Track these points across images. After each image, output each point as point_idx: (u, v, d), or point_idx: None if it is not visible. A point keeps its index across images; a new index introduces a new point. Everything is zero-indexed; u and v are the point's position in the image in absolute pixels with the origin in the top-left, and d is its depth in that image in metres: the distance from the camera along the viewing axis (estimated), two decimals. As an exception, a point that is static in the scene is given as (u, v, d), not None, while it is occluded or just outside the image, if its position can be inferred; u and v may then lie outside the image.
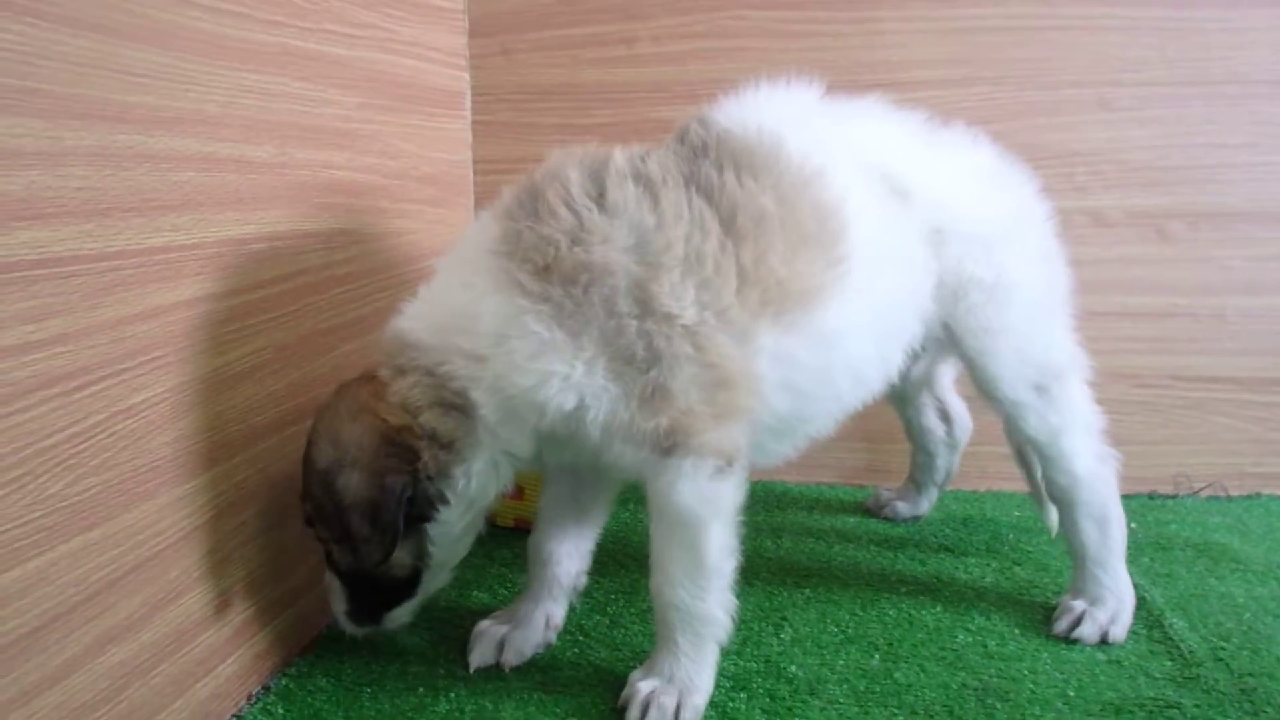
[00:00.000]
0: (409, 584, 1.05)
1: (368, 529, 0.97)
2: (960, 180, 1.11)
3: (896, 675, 1.09)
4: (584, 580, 1.19)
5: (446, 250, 1.05)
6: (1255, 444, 1.55)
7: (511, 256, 0.94)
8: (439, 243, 1.53)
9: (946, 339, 1.14)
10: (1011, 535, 1.46)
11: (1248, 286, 1.50)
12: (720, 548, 0.98)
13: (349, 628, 1.08)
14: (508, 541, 1.45)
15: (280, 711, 1.04)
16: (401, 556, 1.01)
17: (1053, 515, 1.29)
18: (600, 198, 0.96)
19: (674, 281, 0.93)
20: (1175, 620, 1.19)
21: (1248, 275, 1.50)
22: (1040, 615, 1.21)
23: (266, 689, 1.08)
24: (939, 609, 1.24)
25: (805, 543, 1.45)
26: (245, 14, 1.03)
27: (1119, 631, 1.14)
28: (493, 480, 1.02)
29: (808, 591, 1.30)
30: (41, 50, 0.77)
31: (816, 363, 1.00)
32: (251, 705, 1.05)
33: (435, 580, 1.08)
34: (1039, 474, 1.29)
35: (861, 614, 1.23)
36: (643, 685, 1.00)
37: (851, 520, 1.54)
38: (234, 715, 1.03)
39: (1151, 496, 1.57)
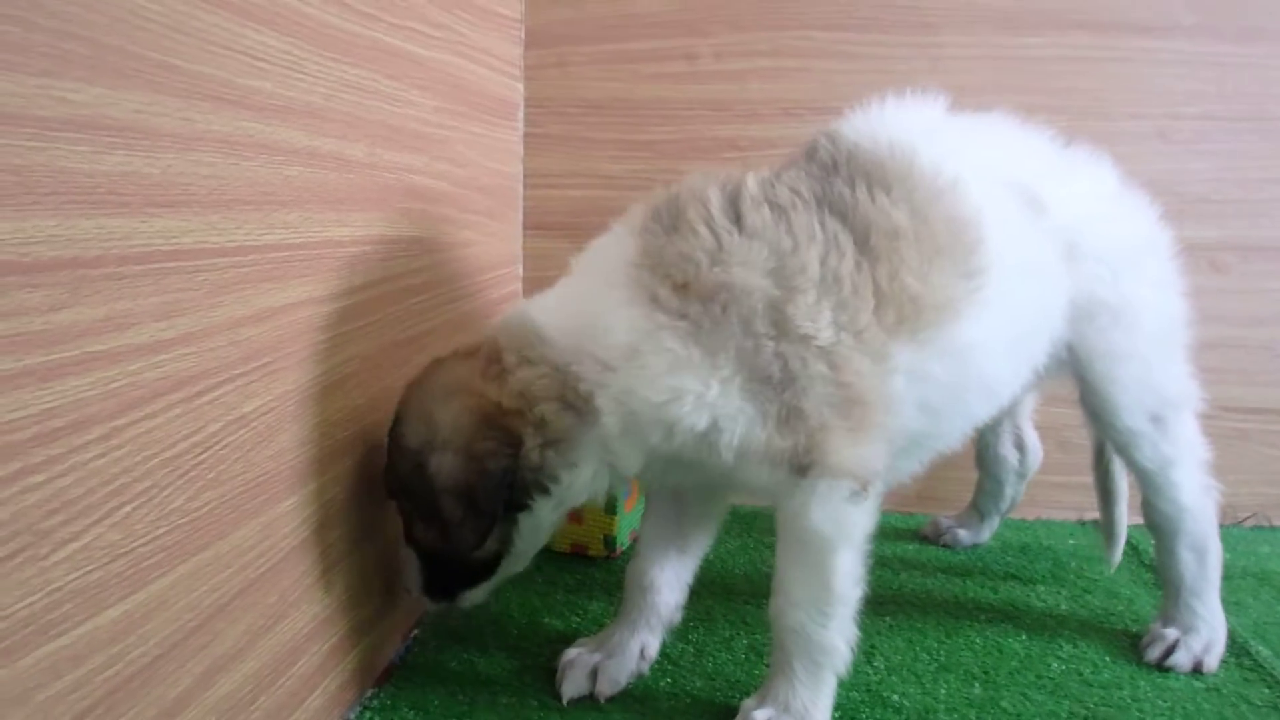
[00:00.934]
0: (487, 567, 1.02)
1: (462, 513, 0.94)
2: (1092, 198, 1.11)
3: (1003, 704, 1.07)
4: (680, 614, 1.15)
5: (578, 259, 1.01)
6: (1299, 474, 1.58)
7: (652, 271, 0.92)
8: (496, 257, 1.48)
9: (1070, 361, 1.13)
10: (1073, 563, 1.45)
11: (1296, 319, 1.54)
12: (848, 574, 0.96)
13: (425, 603, 1.05)
14: (568, 567, 1.39)
15: (369, 747, 0.96)
16: (489, 542, 0.97)
17: (1117, 552, 1.31)
18: (738, 220, 0.94)
19: (809, 303, 0.91)
20: (1260, 648, 1.20)
21: (1296, 307, 1.54)
22: (1125, 642, 1.21)
23: (349, 723, 1.00)
24: (1024, 636, 1.23)
25: (872, 571, 1.41)
26: (346, 3, 0.98)
27: (1213, 661, 1.14)
28: (589, 487, 0.99)
29: (889, 620, 1.27)
30: (179, 24, 0.71)
31: (951, 379, 0.98)
32: (337, 741, 0.97)
33: (514, 566, 1.04)
34: (1117, 507, 1.31)
35: (949, 641, 1.21)
36: (758, 715, 0.96)
37: (911, 547, 1.52)
38: (321, 752, 0.95)
39: (1199, 524, 1.59)
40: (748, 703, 0.99)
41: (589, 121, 1.59)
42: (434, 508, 0.94)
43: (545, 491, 0.96)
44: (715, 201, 0.95)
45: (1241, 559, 1.47)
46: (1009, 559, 1.47)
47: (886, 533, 1.57)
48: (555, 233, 1.60)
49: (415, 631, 1.21)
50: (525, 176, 1.61)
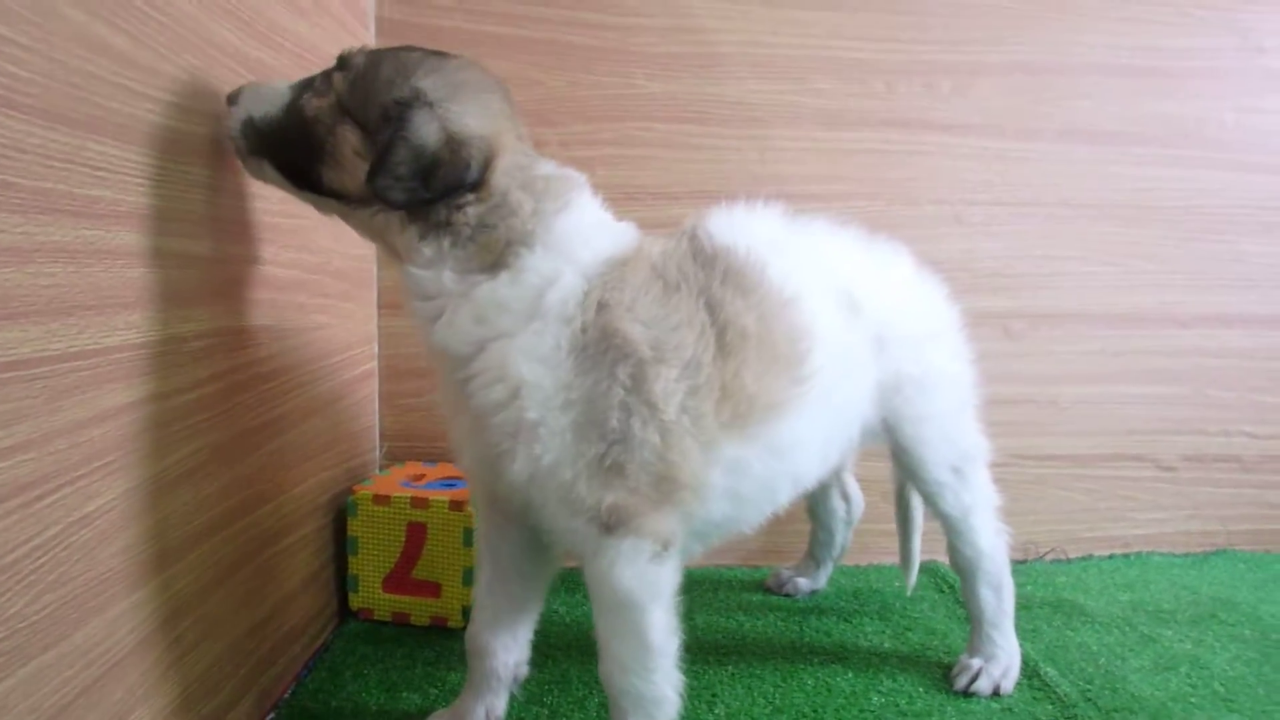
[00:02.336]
0: (314, 183, 1.01)
1: (408, 170, 0.93)
2: (896, 290, 1.25)
3: (827, 742, 1.17)
4: (525, 670, 1.19)
5: None
6: (1087, 512, 1.79)
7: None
8: (350, 337, 1.51)
9: (882, 430, 1.26)
10: (898, 604, 1.59)
11: (1078, 377, 1.77)
12: (663, 628, 1.01)
13: (235, 126, 1.02)
14: (428, 641, 1.42)
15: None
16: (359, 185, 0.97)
17: (912, 576, 1.49)
18: (648, 285, 1.02)
19: (671, 378, 0.98)
20: (1048, 669, 1.35)
21: (1078, 367, 1.77)
22: (938, 673, 1.34)
23: (197, 814, 1.00)
24: (851, 675, 1.34)
25: (718, 621, 1.52)
26: (189, 108, 1.01)
27: (1009, 684, 1.29)
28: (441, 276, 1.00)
29: (730, 667, 1.36)
30: (16, 143, 0.75)
31: (765, 473, 1.08)
32: (185, 834, 0.97)
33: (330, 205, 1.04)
34: (913, 540, 1.49)
35: (784, 685, 1.31)
36: (604, 772, 1.02)
37: (756, 598, 1.62)
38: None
39: (1007, 562, 1.77)
40: None
41: (443, 201, 1.65)
42: (386, 141, 0.94)
43: (446, 227, 0.98)
44: (648, 260, 1.04)
45: (1041, 590, 1.65)
46: (842, 603, 1.60)
47: (734, 585, 1.68)
48: (410, 311, 1.65)
49: (271, 716, 1.21)
50: (379, 259, 1.65)
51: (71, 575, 0.81)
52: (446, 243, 0.98)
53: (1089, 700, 1.26)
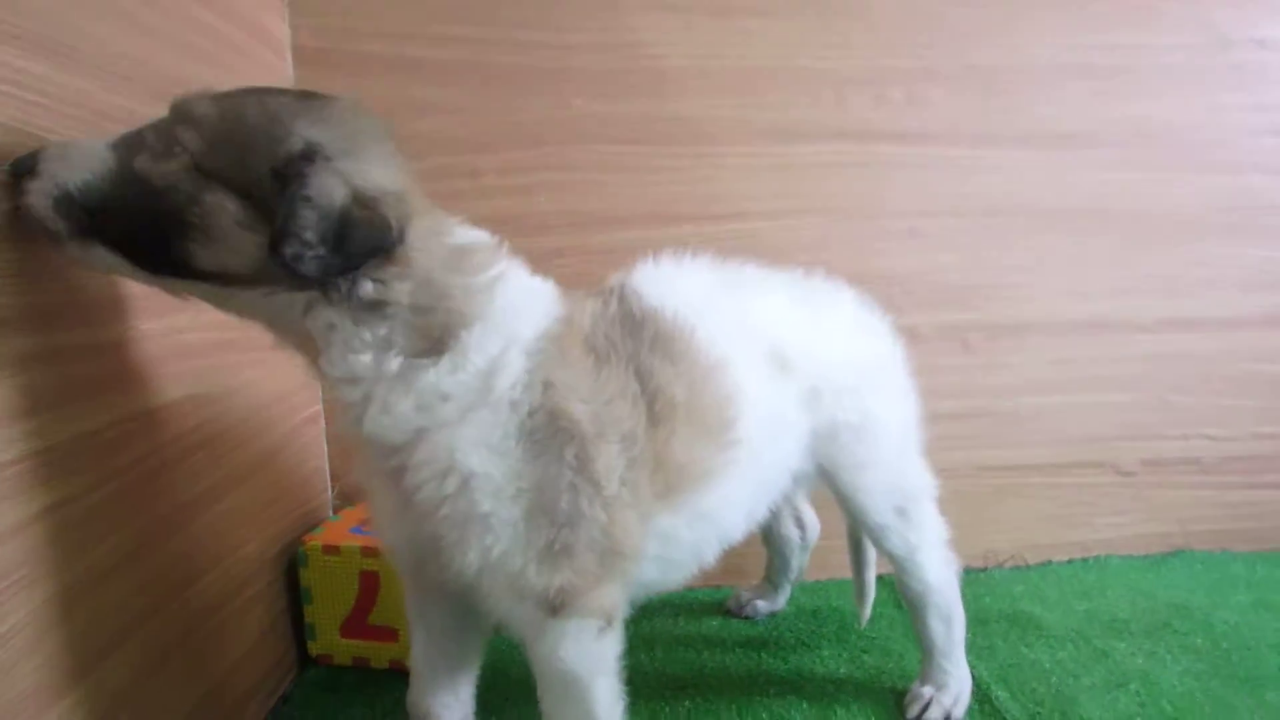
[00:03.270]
0: (179, 265, 0.85)
1: (317, 238, 0.80)
2: (831, 339, 1.21)
3: (781, 786, 1.19)
4: None
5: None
6: (1046, 520, 1.80)
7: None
8: (289, 383, 1.47)
9: (819, 477, 1.25)
10: (856, 623, 1.60)
11: (1038, 387, 1.75)
12: (608, 699, 1.01)
13: (42, 202, 0.81)
14: (387, 687, 1.41)
15: None
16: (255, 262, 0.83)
17: (867, 609, 1.49)
18: (584, 358, 0.99)
19: (613, 454, 0.96)
20: (999, 692, 1.37)
21: (1038, 377, 1.75)
22: (891, 700, 1.36)
23: None
24: (805, 706, 1.35)
25: (677, 651, 1.53)
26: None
27: (959, 711, 1.30)
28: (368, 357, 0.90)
29: (687, 703, 1.37)
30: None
31: (693, 538, 1.07)
32: None
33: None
34: (866, 574, 1.49)
35: (740, 719, 1.32)
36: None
37: (715, 623, 1.63)
38: None
39: (967, 571, 1.77)
40: None
41: (384, 232, 1.61)
42: (285, 207, 0.80)
43: (379, 308, 0.88)
44: (577, 340, 0.99)
45: (999, 602, 1.66)
46: (800, 625, 1.61)
47: (694, 608, 1.69)
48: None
49: None
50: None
51: None
52: (383, 329, 0.88)
53: (1038, 726, 1.28)
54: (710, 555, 1.13)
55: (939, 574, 1.31)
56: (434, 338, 0.90)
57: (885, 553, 1.32)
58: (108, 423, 0.98)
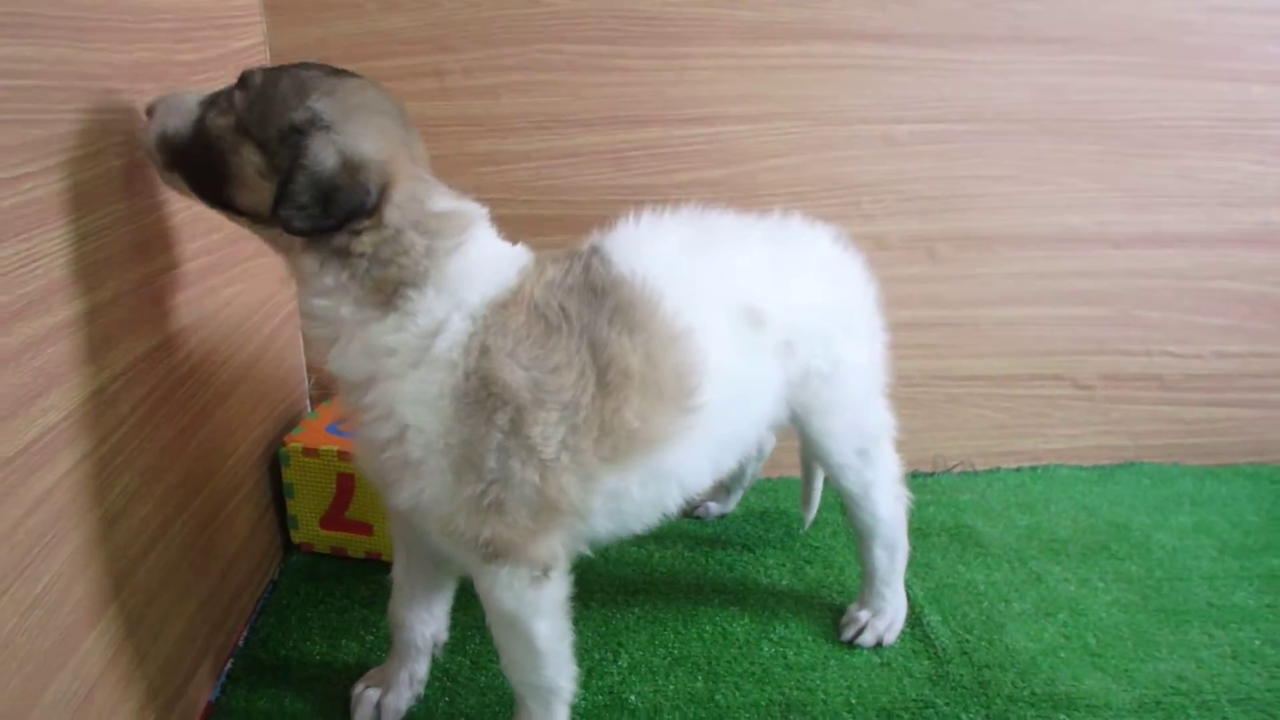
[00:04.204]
0: (223, 202, 1.00)
1: (309, 198, 0.92)
2: (805, 290, 1.19)
3: (718, 698, 1.27)
4: (444, 636, 1.27)
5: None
6: (998, 429, 1.82)
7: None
8: (264, 290, 1.46)
9: (789, 418, 1.26)
10: (801, 531, 1.65)
11: (1001, 299, 1.73)
12: (549, 636, 1.07)
13: (151, 139, 1.00)
14: (363, 576, 1.51)
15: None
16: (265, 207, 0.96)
17: (810, 515, 1.56)
18: (530, 326, 1.00)
19: (551, 421, 0.99)
20: (931, 615, 1.44)
21: (1002, 289, 1.72)
22: (828, 619, 1.43)
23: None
24: (747, 619, 1.43)
25: (629, 551, 1.59)
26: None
27: (891, 636, 1.37)
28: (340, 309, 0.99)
29: (637, 611, 1.44)
30: None
31: (646, 496, 1.10)
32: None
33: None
34: (815, 483, 1.56)
35: (684, 632, 1.39)
36: (507, 748, 1.13)
37: (666, 524, 1.68)
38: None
39: (914, 475, 1.82)
40: None
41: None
42: (286, 168, 0.93)
43: (344, 257, 0.97)
44: (533, 295, 1.02)
45: (942, 512, 1.71)
46: (748, 528, 1.67)
47: (649, 509, 1.74)
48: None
49: (229, 665, 1.31)
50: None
51: (31, 655, 0.85)
52: (344, 275, 0.97)
53: (964, 654, 1.35)
54: (672, 505, 1.15)
55: (890, 509, 1.35)
56: (389, 291, 0.97)
57: (840, 488, 1.35)
58: (110, 377, 0.99)
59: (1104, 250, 1.71)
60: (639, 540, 1.63)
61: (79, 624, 0.93)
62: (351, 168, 0.93)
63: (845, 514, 1.39)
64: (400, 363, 0.98)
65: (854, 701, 1.26)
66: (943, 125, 1.61)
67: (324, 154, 0.93)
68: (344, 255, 0.96)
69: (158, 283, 1.11)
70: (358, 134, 0.95)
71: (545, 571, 1.04)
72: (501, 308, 1.00)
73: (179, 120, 1.00)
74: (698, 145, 1.59)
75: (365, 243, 0.96)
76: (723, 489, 1.68)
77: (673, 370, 1.05)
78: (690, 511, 1.70)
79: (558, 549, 1.06)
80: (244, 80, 0.99)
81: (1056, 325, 1.76)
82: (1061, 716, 1.24)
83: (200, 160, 0.99)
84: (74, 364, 0.92)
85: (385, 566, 1.49)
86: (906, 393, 1.74)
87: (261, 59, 1.50)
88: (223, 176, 0.98)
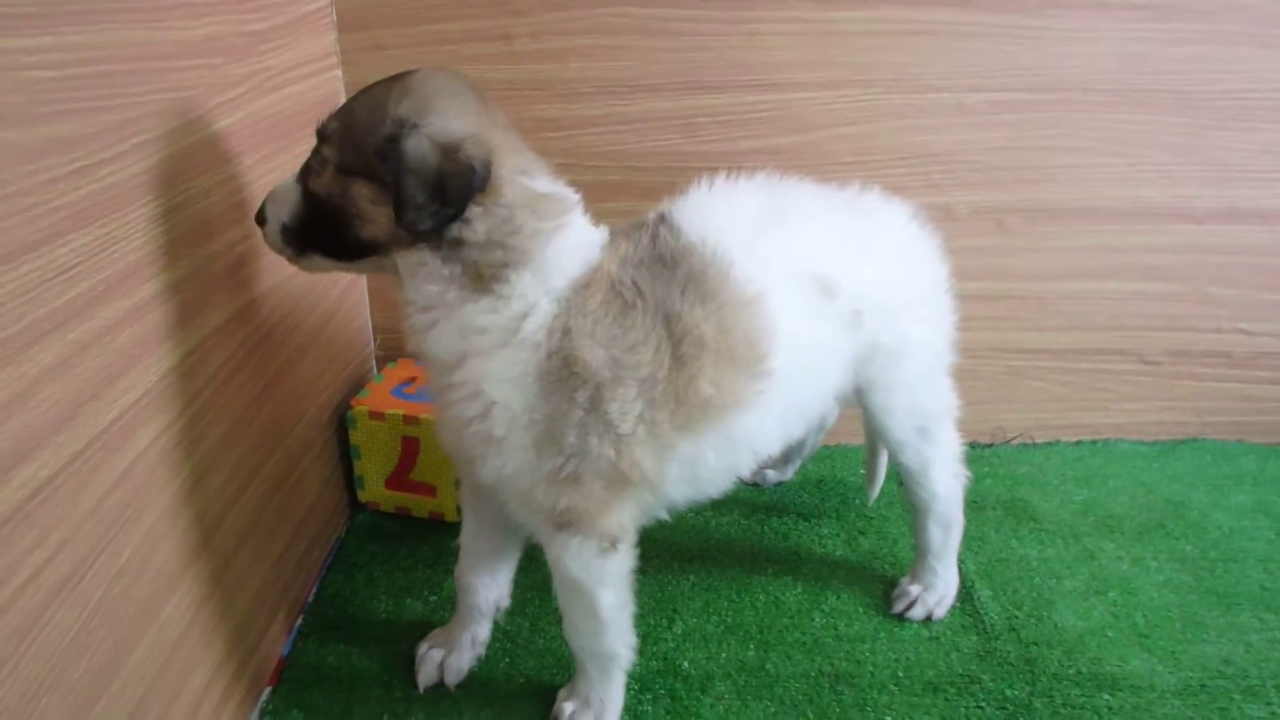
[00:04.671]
0: (360, 250, 1.03)
1: (424, 198, 0.95)
2: (877, 264, 1.19)
3: (768, 666, 1.31)
4: (506, 602, 1.33)
5: None
6: (1059, 402, 1.80)
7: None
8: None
9: (854, 395, 1.28)
10: (857, 498, 1.68)
11: (1069, 273, 1.69)
12: (612, 606, 1.12)
13: (274, 238, 1.06)
14: (426, 536, 1.57)
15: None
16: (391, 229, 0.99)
17: (874, 492, 1.56)
18: (608, 305, 1.03)
19: (629, 398, 1.03)
20: (982, 590, 1.46)
21: (1070, 263, 1.69)
22: (880, 590, 1.46)
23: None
24: (799, 590, 1.46)
25: (686, 519, 1.63)
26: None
27: (941, 611, 1.40)
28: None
29: (692, 579, 1.49)
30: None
31: (720, 461, 1.12)
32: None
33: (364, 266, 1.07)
34: (879, 459, 1.56)
35: (738, 600, 1.44)
36: (566, 706, 1.20)
37: (725, 489, 1.73)
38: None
39: (973, 446, 1.82)
40: (561, 693, 1.22)
41: (406, 99, 1.55)
42: (394, 179, 0.96)
43: (458, 247, 0.99)
44: (610, 271, 1.04)
45: (999, 485, 1.72)
46: (804, 496, 1.70)
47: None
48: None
49: (300, 621, 1.38)
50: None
51: (119, 621, 0.91)
52: (455, 264, 1.00)
53: (1012, 630, 1.37)
54: (744, 470, 1.18)
55: (947, 486, 1.36)
56: (487, 277, 1.00)
57: (899, 464, 1.36)
58: (186, 352, 1.05)
59: (1179, 225, 1.66)
60: (697, 506, 1.66)
61: (160, 590, 0.99)
62: (450, 151, 0.95)
63: (902, 485, 1.41)
64: (490, 342, 1.01)
65: (901, 675, 1.30)
66: (1019, 94, 1.56)
67: (420, 148, 0.95)
68: (458, 244, 0.99)
69: (229, 255, 1.15)
70: (443, 118, 0.97)
71: (613, 544, 1.09)
72: (583, 288, 1.03)
73: (288, 205, 1.04)
74: (765, 112, 1.57)
75: (478, 230, 0.98)
76: (782, 457, 1.70)
77: (744, 337, 1.07)
78: (748, 478, 1.72)
79: (626, 523, 1.10)
80: (323, 133, 1.02)
81: (1125, 300, 1.72)
82: (1105, 696, 1.26)
83: (322, 224, 1.02)
84: (152, 343, 0.97)
85: (448, 527, 1.57)
86: (969, 364, 1.70)
87: (328, 21, 1.50)
88: (346, 224, 1.00)
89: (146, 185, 0.95)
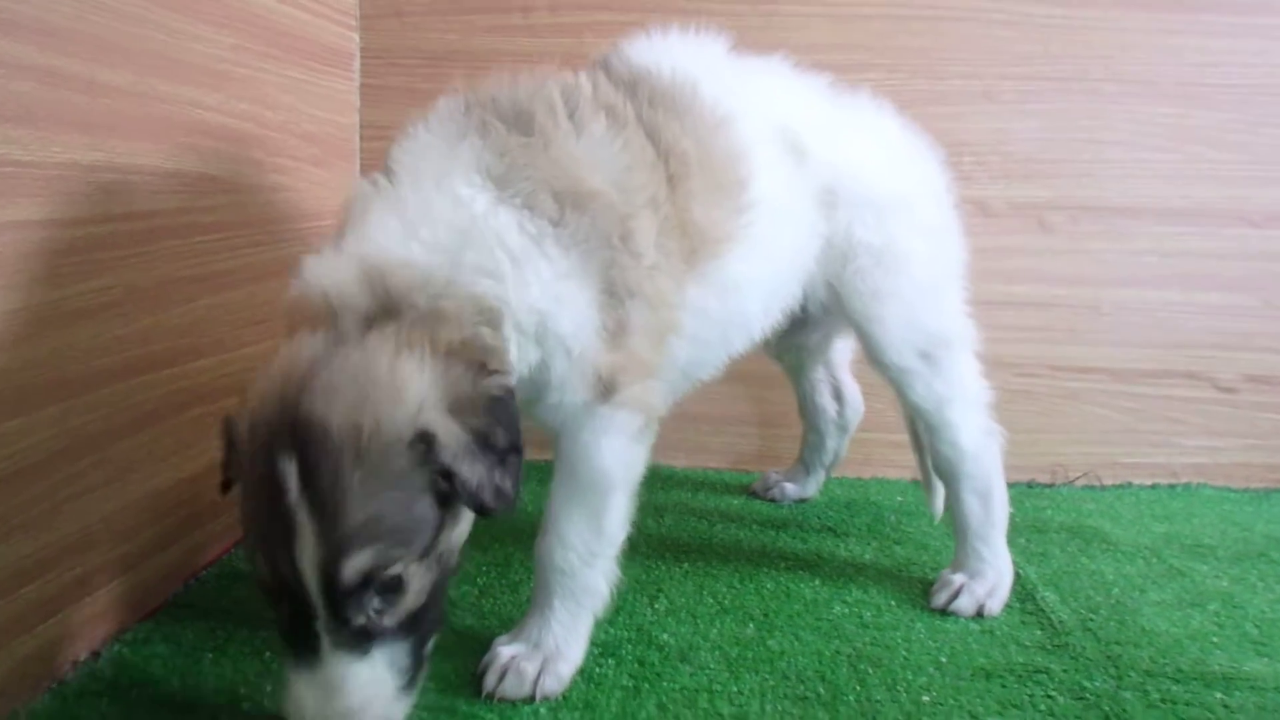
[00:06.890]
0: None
1: (484, 467, 0.79)
2: (857, 145, 1.12)
3: (770, 643, 1.07)
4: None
5: (387, 175, 0.91)
6: (1126, 434, 1.59)
7: (521, 175, 0.88)
8: (320, 205, 1.46)
9: (832, 302, 1.14)
10: (894, 518, 1.46)
11: (1122, 279, 1.56)
12: (619, 516, 0.96)
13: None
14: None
15: (109, 675, 0.96)
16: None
17: (938, 500, 1.29)
18: (584, 127, 0.93)
19: (646, 224, 0.93)
20: (1048, 594, 1.20)
21: (1122, 268, 1.56)
22: (919, 590, 1.21)
23: (96, 655, 0.99)
24: (817, 583, 1.23)
25: (687, 521, 1.43)
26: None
27: (995, 605, 1.15)
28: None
29: (686, 565, 1.27)
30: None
31: (720, 314, 1.02)
32: (77, 670, 0.96)
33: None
34: (928, 459, 1.30)
35: (739, 587, 1.21)
36: (504, 650, 0.96)
37: (736, 502, 1.52)
38: (55, 680, 0.94)
39: (1030, 485, 1.60)
40: (499, 639, 0.98)
41: (427, 73, 1.58)
42: (449, 490, 0.79)
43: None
44: (560, 105, 0.94)
45: (1062, 515, 1.48)
46: (830, 514, 1.48)
47: (718, 487, 1.58)
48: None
49: (204, 572, 1.20)
50: (363, 127, 1.59)
51: None
52: None
53: (1088, 630, 1.11)
54: (736, 340, 1.09)
55: (974, 439, 1.17)
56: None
57: (910, 407, 1.19)
58: (104, 163, 0.98)
59: (1238, 229, 1.53)
60: (700, 512, 1.47)
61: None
62: (427, 438, 0.77)
63: (930, 459, 1.21)
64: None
65: (944, 660, 1.04)
66: (1051, 84, 1.52)
67: (452, 446, 0.78)
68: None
69: (178, 109, 1.11)
70: (431, 403, 0.78)
71: (649, 419, 0.95)
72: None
73: (387, 696, 0.80)
74: (785, 100, 1.55)
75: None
76: (802, 468, 1.51)
77: (724, 154, 1.00)
78: (764, 492, 1.52)
79: (662, 395, 0.97)
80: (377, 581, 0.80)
81: (1188, 313, 1.56)
82: (1217, 694, 0.98)
83: (430, 600, 0.83)
84: (50, 118, 0.93)
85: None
86: (1019, 383, 1.57)
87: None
88: (443, 568, 0.84)
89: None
